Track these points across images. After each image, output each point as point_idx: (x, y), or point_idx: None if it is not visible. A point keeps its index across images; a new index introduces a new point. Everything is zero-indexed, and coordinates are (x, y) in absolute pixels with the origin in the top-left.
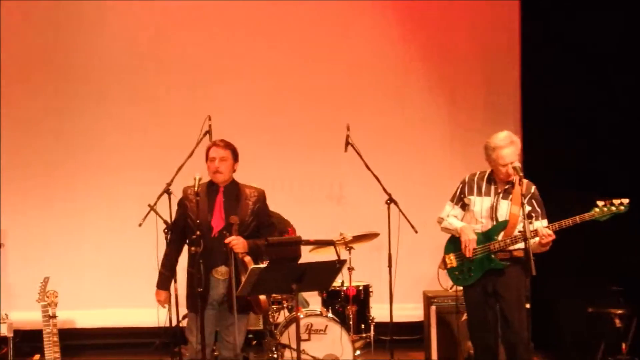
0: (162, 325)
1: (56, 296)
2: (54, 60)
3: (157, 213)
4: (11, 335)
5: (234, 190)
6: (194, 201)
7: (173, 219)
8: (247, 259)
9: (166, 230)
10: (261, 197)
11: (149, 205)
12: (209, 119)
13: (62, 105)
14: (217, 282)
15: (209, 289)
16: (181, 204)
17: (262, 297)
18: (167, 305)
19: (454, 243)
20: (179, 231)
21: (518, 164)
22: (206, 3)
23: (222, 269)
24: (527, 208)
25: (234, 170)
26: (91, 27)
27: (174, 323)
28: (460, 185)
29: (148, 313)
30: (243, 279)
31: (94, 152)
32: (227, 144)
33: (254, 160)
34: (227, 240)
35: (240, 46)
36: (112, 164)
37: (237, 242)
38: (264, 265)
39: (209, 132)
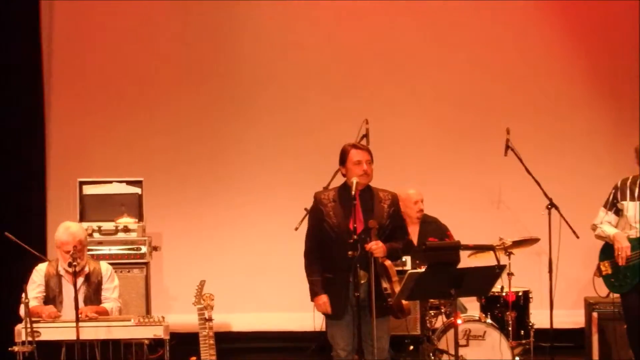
0: (318, 329)
1: (212, 299)
2: (208, 65)
3: None
4: (167, 337)
5: (368, 193)
6: (329, 206)
7: (308, 227)
8: (388, 263)
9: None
10: (395, 199)
11: (306, 209)
12: (366, 123)
13: (217, 109)
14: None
15: (349, 293)
16: (315, 210)
17: (405, 301)
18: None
19: (608, 250)
20: (316, 238)
21: None
22: (362, 4)
23: (360, 272)
24: None
25: None
26: (244, 30)
27: None
28: (613, 191)
29: (304, 317)
30: (384, 284)
31: (249, 156)
32: (367, 147)
33: (412, 164)
34: (367, 247)
35: (396, 49)
36: (268, 168)
37: (377, 247)
38: (422, 270)
39: (366, 135)
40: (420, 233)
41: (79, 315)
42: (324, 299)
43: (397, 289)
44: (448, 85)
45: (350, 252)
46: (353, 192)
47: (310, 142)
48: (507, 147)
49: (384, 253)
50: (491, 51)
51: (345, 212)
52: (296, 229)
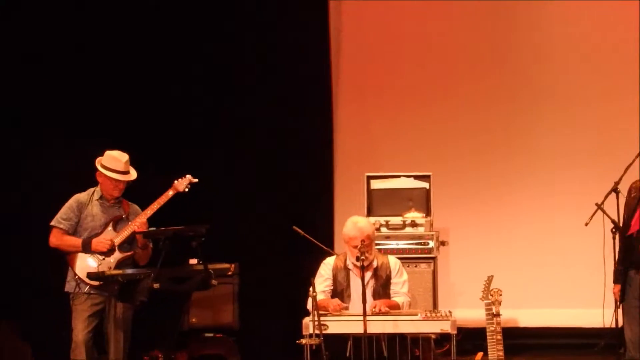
0: (607, 326)
1: (500, 294)
2: (498, 56)
3: (604, 212)
4: (454, 332)
5: None
6: (632, 195)
7: None
8: None
9: (614, 230)
10: None
11: (597, 205)
12: None
13: (506, 102)
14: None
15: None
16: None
17: None
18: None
19: None
20: (625, 229)
21: None
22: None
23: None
24: None
25: None
26: (527, 26)
27: (620, 324)
28: None
29: (592, 313)
30: None
31: (536, 149)
32: None
33: None
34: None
35: None
36: (558, 162)
37: None
38: None
39: None
40: None
41: (372, 309)
42: (615, 289)
43: None
44: None
45: None
46: None
47: (599, 136)
48: None
49: None
50: None
51: (634, 206)
52: (586, 224)
